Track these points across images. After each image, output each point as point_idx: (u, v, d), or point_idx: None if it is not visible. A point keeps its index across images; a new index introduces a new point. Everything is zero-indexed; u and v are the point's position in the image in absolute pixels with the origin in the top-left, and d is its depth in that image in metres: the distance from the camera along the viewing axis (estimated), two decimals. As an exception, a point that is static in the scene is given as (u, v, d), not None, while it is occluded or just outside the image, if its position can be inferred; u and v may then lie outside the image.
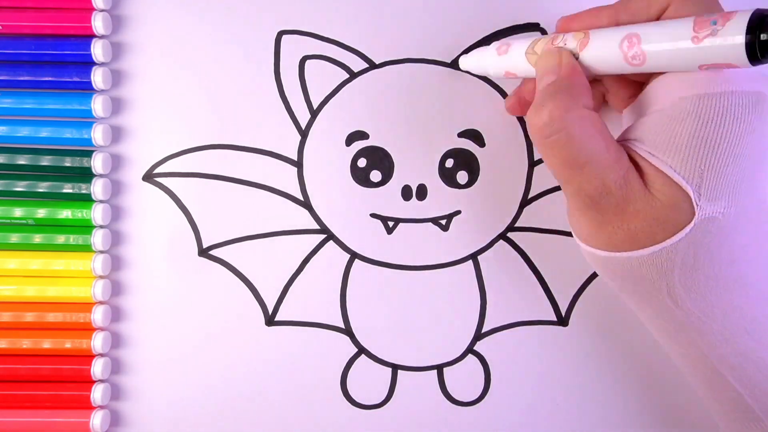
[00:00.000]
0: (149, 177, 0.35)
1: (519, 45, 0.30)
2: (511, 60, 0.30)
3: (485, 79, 0.35)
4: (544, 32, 0.35)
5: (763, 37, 0.22)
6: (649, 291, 0.27)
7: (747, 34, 0.22)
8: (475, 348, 0.35)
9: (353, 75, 0.35)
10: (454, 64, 0.35)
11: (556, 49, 0.28)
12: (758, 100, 0.25)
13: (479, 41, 0.35)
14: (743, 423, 0.28)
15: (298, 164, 0.35)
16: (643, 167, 0.26)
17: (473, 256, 0.36)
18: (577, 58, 0.27)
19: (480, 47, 0.33)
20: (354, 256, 0.35)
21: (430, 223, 0.35)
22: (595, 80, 0.31)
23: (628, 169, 0.25)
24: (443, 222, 0.35)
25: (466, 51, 0.34)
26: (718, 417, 0.30)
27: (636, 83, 0.30)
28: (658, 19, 0.26)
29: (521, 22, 0.35)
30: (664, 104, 0.26)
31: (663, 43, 0.25)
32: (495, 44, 0.32)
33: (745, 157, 0.25)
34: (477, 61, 0.33)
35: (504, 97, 0.35)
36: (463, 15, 0.35)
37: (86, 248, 0.34)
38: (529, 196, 0.35)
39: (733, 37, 0.22)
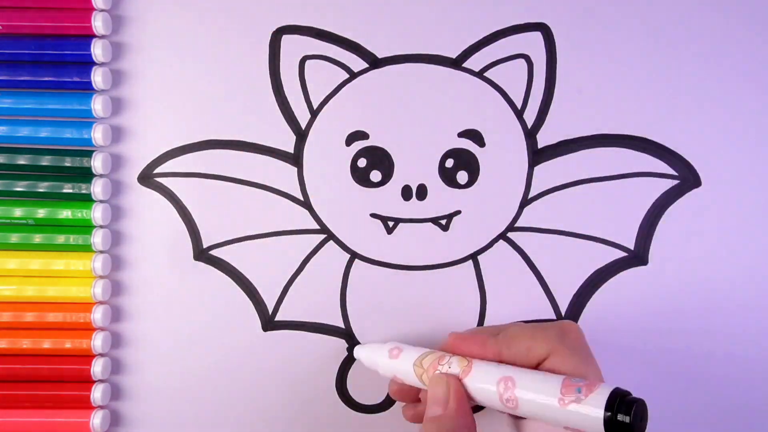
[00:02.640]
0: (149, 177, 0.35)
1: (409, 353, 0.32)
2: (400, 366, 0.32)
3: (485, 79, 0.35)
4: (549, 33, 0.35)
5: (619, 417, 0.23)
6: None
7: (606, 410, 0.23)
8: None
9: (353, 75, 0.35)
10: (457, 61, 0.35)
11: (445, 377, 0.29)
12: None
13: (481, 39, 0.35)
14: None
15: (299, 164, 0.35)
16: None
17: (473, 256, 0.36)
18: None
19: (375, 344, 0.34)
20: (354, 256, 0.35)
21: (430, 223, 0.35)
22: None
23: None
24: (443, 222, 0.35)
25: (363, 345, 0.35)
26: None
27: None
28: (536, 366, 0.28)
29: (524, 22, 0.35)
30: None
31: (533, 395, 0.26)
32: (389, 344, 0.33)
33: None
34: (370, 357, 0.34)
35: (504, 98, 0.35)
36: (467, 9, 0.35)
37: (86, 248, 0.34)
38: (529, 196, 0.35)
39: (594, 410, 0.24)
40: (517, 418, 0.30)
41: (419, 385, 0.31)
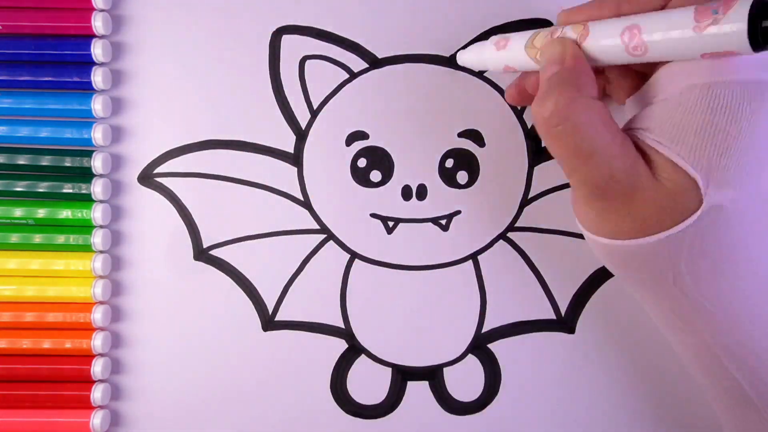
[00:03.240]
0: (148, 177, 0.35)
1: (518, 39, 0.30)
2: (511, 54, 0.30)
3: (485, 79, 0.35)
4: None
5: (765, 24, 0.22)
6: (655, 279, 0.27)
7: (748, 21, 0.22)
8: (475, 348, 0.35)
9: (353, 75, 0.35)
10: (453, 59, 0.35)
11: (560, 39, 0.28)
12: (765, 89, 0.25)
13: (479, 35, 0.35)
14: (741, 410, 0.28)
15: (299, 164, 0.35)
16: (651, 156, 0.26)
17: (473, 256, 0.36)
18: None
19: (477, 42, 0.33)
20: (354, 256, 0.35)
21: (430, 223, 0.35)
22: (596, 72, 0.31)
23: (635, 158, 0.25)
24: (443, 222, 0.35)
25: (464, 47, 0.34)
26: (716, 403, 0.30)
27: (638, 74, 0.30)
28: (662, 9, 0.26)
29: (528, 17, 0.35)
30: (671, 93, 0.26)
31: (664, 33, 0.24)
32: (493, 38, 0.32)
33: (753, 146, 0.25)
34: (475, 56, 0.33)
35: (504, 97, 0.35)
36: (467, 7, 0.35)
37: (86, 248, 0.34)
38: (529, 196, 0.35)
39: (735, 25, 0.22)
40: (640, 93, 0.28)
41: (534, 67, 0.29)
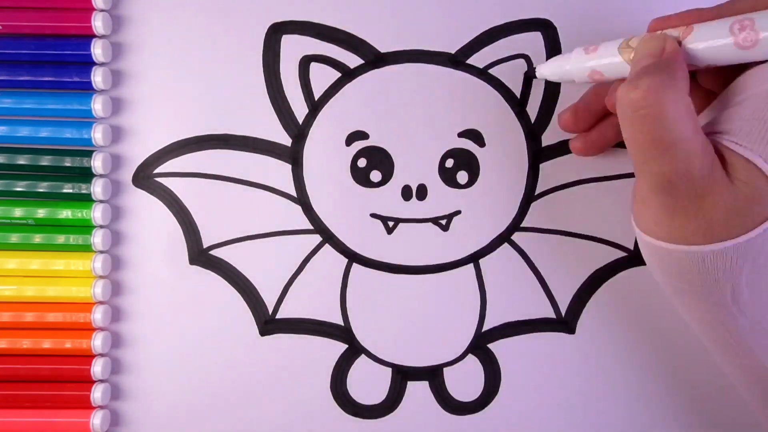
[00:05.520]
0: (148, 178, 0.35)
1: (609, 44, 0.29)
2: (601, 57, 0.29)
3: (485, 79, 0.35)
4: (550, 32, 0.35)
5: None
6: (709, 290, 0.25)
7: None
8: (475, 348, 0.35)
9: (353, 75, 0.35)
10: (456, 57, 0.35)
11: (660, 34, 0.27)
12: None
13: (482, 35, 0.35)
14: None
15: (298, 164, 0.35)
16: (727, 157, 0.24)
17: (473, 256, 0.36)
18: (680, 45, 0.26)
19: (559, 55, 0.32)
20: (354, 256, 0.35)
21: (430, 224, 0.35)
22: None
23: (713, 159, 0.24)
24: (443, 222, 0.35)
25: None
26: None
27: (707, 93, 0.29)
28: None
29: (525, 18, 0.35)
30: (753, 93, 0.25)
31: None
32: (579, 47, 0.31)
33: None
34: (557, 67, 0.32)
35: (504, 98, 0.35)
36: (469, 5, 0.35)
37: (86, 248, 0.34)
38: (530, 197, 0.35)
39: None
40: (719, 101, 0.27)
41: (625, 74, 0.28)
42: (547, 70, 0.32)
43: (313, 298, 0.35)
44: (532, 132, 0.35)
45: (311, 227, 0.35)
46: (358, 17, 0.35)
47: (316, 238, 0.35)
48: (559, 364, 0.35)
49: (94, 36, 0.34)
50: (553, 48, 0.35)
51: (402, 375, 0.35)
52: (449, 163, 0.35)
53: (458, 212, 0.35)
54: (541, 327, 0.35)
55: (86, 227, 0.35)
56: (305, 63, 0.35)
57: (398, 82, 0.35)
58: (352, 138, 0.35)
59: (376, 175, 0.35)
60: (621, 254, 0.35)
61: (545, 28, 0.35)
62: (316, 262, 0.35)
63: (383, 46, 0.35)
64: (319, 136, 0.35)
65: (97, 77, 0.34)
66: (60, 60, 0.34)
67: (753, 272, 0.24)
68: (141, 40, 0.35)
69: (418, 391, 0.35)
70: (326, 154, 0.35)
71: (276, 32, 0.35)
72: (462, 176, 0.35)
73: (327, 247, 0.35)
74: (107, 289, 0.35)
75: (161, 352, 0.35)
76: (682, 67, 0.26)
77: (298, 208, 0.35)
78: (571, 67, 0.31)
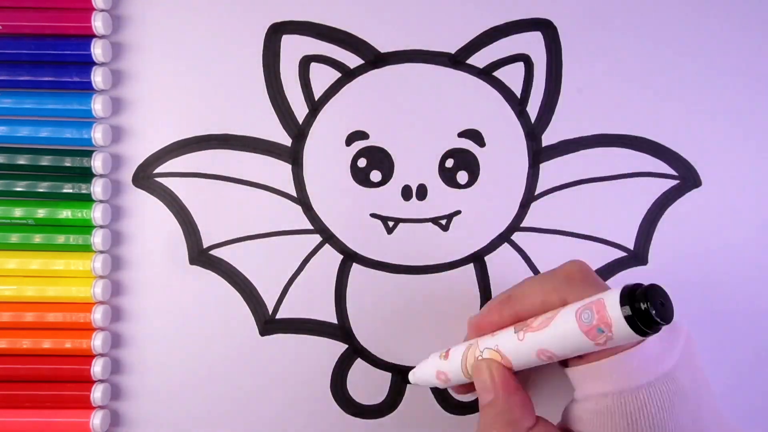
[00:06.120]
0: (148, 178, 0.35)
1: (456, 352, 0.31)
2: (451, 366, 0.31)
3: (485, 78, 0.35)
4: (550, 33, 0.35)
5: (642, 306, 0.23)
6: None
7: (629, 322, 0.23)
8: (475, 348, 0.35)
9: (353, 75, 0.35)
10: (456, 57, 0.35)
11: (484, 363, 0.29)
12: (670, 378, 0.26)
13: (482, 35, 0.35)
14: None
15: (298, 164, 0.35)
16: None
17: (473, 256, 0.36)
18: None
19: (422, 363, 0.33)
20: (354, 256, 0.35)
21: (430, 223, 0.35)
22: None
23: None
24: (443, 222, 0.35)
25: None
26: None
27: None
28: (542, 310, 0.28)
29: (525, 18, 0.35)
30: (589, 395, 0.27)
31: (570, 352, 0.26)
32: (433, 355, 0.32)
33: None
34: (421, 372, 0.33)
35: (504, 98, 0.35)
36: (469, 5, 0.35)
37: (86, 248, 0.34)
38: (530, 197, 0.35)
39: (623, 332, 0.24)
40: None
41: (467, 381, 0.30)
42: (416, 376, 0.33)
43: (313, 298, 0.35)
44: (532, 132, 0.35)
45: (311, 227, 0.35)
46: (358, 17, 0.35)
47: (316, 238, 0.35)
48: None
49: (94, 36, 0.34)
50: (553, 48, 0.35)
51: (402, 375, 0.35)
52: (449, 163, 0.35)
53: (458, 212, 0.35)
54: (541, 327, 0.35)
55: (86, 227, 0.35)
56: (305, 63, 0.35)
57: (398, 82, 0.35)
58: (352, 138, 0.35)
59: (376, 175, 0.35)
60: (621, 254, 0.35)
61: (545, 28, 0.35)
62: (316, 262, 0.35)
63: (383, 46, 0.35)
64: (319, 136, 0.35)
65: (97, 77, 0.34)
66: (60, 60, 0.34)
67: None
68: (141, 40, 0.35)
69: (418, 391, 0.35)
70: (326, 154, 0.35)
71: (276, 32, 0.35)
72: (462, 176, 0.35)
73: (327, 247, 0.35)
74: (107, 289, 0.35)
75: (161, 352, 0.35)
76: (518, 402, 0.28)
77: (298, 208, 0.35)
78: (429, 370, 0.32)
